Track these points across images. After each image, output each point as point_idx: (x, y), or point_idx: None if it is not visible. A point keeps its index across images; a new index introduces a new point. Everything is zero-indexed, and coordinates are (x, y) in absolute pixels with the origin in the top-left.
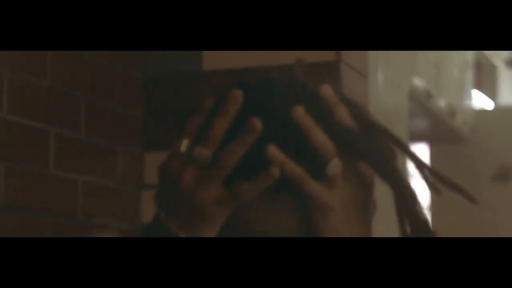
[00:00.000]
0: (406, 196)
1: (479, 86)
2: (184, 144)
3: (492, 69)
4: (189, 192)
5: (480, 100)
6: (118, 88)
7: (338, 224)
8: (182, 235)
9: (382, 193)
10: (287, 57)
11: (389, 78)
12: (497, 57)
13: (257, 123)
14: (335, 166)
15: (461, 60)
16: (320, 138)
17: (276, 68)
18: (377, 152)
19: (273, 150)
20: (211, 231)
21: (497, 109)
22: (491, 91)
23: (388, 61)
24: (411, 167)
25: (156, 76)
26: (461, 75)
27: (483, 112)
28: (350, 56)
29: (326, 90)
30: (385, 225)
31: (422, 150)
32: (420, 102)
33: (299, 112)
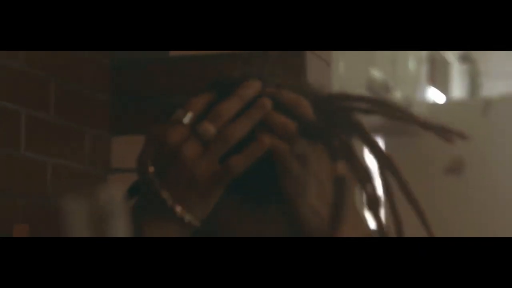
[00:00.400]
0: (363, 177)
1: (433, 81)
2: (188, 116)
3: (445, 64)
4: (188, 166)
5: (433, 94)
6: (87, 72)
7: (315, 202)
8: (178, 209)
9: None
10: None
11: (350, 68)
12: (450, 52)
13: (267, 102)
14: (301, 146)
15: (416, 55)
16: (282, 122)
17: (240, 55)
18: (333, 133)
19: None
20: (206, 208)
21: (449, 103)
22: (443, 86)
23: (349, 51)
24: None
25: (124, 61)
26: (416, 70)
27: (436, 106)
28: None
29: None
30: None
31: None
32: (378, 94)
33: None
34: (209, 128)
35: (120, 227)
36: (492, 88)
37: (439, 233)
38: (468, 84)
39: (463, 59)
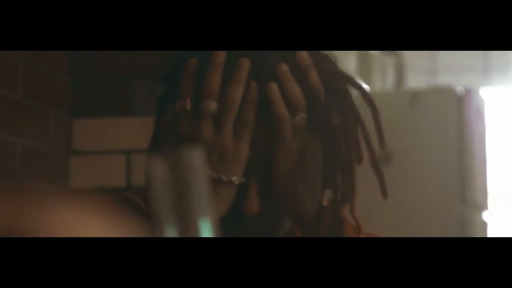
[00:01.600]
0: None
1: (360, 73)
2: (188, 102)
3: (370, 57)
4: (212, 143)
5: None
6: (49, 55)
7: (294, 173)
8: (229, 180)
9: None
10: None
11: None
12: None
13: (246, 61)
14: (300, 120)
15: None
16: (295, 91)
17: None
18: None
19: (274, 87)
20: (242, 166)
21: (375, 94)
22: (367, 78)
23: None
24: None
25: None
26: (345, 62)
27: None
28: None
29: (301, 54)
30: None
31: None
32: None
33: (283, 67)
34: (209, 104)
35: (201, 192)
36: (415, 82)
37: (366, 223)
38: (393, 76)
39: (388, 53)
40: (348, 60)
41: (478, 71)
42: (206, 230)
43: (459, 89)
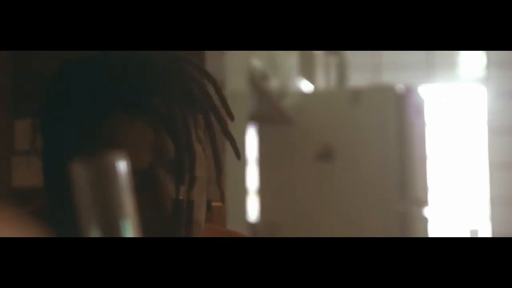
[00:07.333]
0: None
1: (303, 71)
2: None
3: (313, 56)
4: None
5: (303, 85)
6: None
7: None
8: None
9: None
10: None
11: (234, 55)
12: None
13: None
14: None
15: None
16: None
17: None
18: None
19: None
20: None
21: (319, 92)
22: (312, 76)
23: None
24: None
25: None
26: (290, 61)
27: (306, 95)
28: None
29: None
30: None
31: (251, 130)
32: (257, 83)
33: None
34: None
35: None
36: (360, 79)
37: (308, 219)
38: (335, 75)
39: (331, 52)
40: (291, 59)
41: (421, 68)
42: (127, 230)
43: (400, 87)
